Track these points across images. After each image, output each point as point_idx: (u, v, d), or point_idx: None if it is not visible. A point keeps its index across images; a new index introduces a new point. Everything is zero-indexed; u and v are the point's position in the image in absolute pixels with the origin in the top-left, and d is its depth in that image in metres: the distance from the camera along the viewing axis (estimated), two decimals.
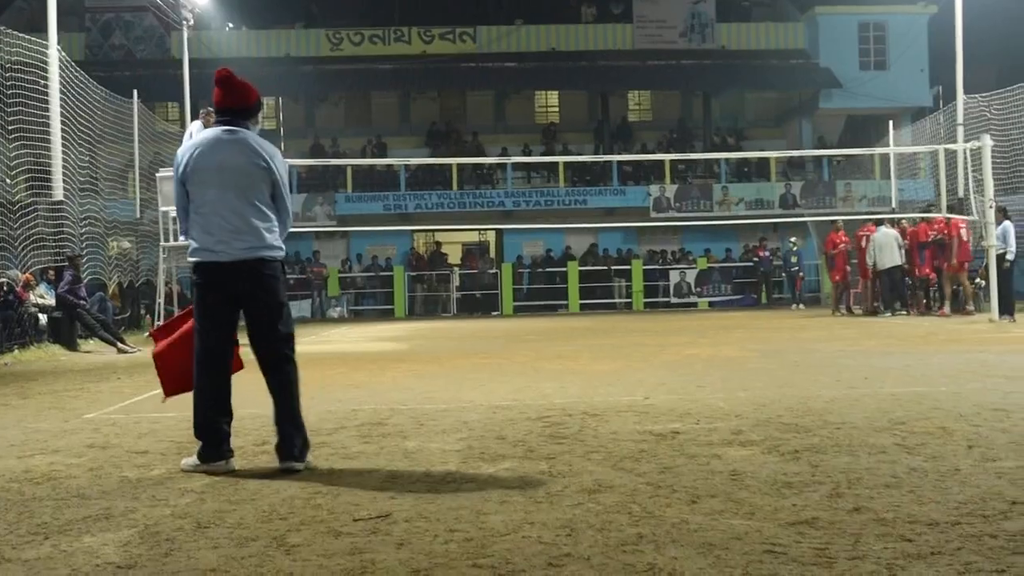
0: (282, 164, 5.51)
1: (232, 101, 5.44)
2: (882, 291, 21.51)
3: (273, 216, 5.39)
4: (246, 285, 5.26)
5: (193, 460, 5.26)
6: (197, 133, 16.71)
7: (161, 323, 5.28)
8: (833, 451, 5.30)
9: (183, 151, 5.41)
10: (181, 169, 5.33)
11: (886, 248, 20.85)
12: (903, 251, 20.82)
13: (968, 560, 3.28)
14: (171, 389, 5.66)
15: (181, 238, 17.87)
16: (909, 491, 4.32)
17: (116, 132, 20.95)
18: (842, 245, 22.77)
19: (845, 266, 22.86)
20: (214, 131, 5.40)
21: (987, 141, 18.16)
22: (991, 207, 17.69)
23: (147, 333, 15.18)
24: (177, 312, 19.06)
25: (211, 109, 17.26)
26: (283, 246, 5.46)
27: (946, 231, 19.82)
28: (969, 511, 3.94)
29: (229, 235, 5.22)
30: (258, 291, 5.28)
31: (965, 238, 19.70)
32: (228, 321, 5.36)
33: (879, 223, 21.62)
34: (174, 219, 18.07)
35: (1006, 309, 17.48)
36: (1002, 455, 5.06)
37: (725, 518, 3.95)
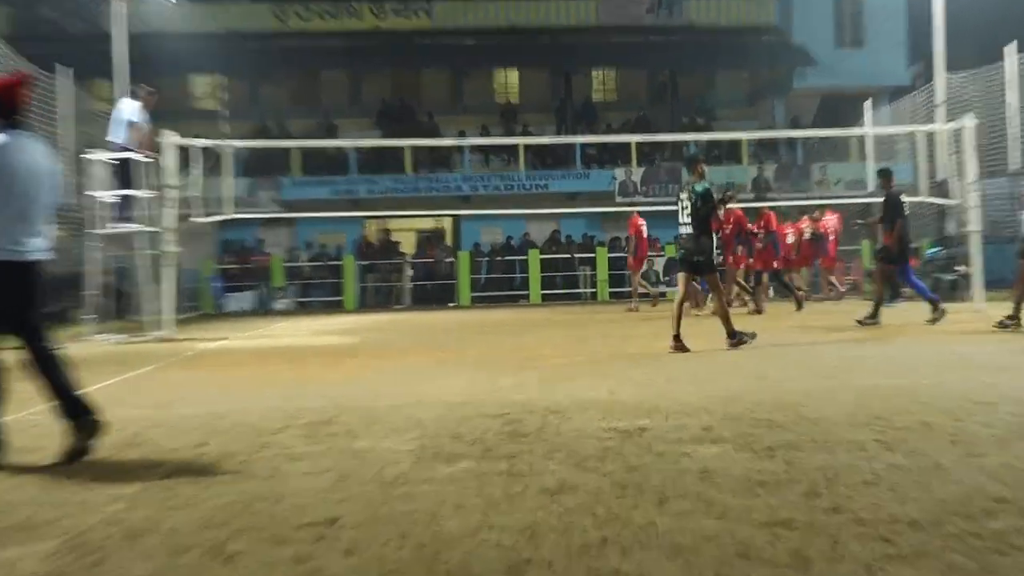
0: None
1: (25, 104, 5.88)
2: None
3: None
4: (29, 285, 5.70)
5: None
6: (138, 114, 16.55)
7: None
8: (809, 447, 5.31)
9: None
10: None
11: None
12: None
13: (951, 561, 3.29)
14: None
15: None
16: (889, 489, 4.33)
17: (44, 111, 20.65)
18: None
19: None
20: (14, 133, 5.71)
21: (968, 122, 18.31)
22: (973, 191, 17.87)
23: None
24: None
25: (152, 89, 17.08)
26: None
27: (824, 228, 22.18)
28: (952, 510, 3.96)
29: (32, 236, 5.68)
30: (32, 291, 5.70)
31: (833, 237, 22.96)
32: None
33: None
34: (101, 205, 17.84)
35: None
36: (986, 450, 5.09)
37: (695, 519, 3.94)
